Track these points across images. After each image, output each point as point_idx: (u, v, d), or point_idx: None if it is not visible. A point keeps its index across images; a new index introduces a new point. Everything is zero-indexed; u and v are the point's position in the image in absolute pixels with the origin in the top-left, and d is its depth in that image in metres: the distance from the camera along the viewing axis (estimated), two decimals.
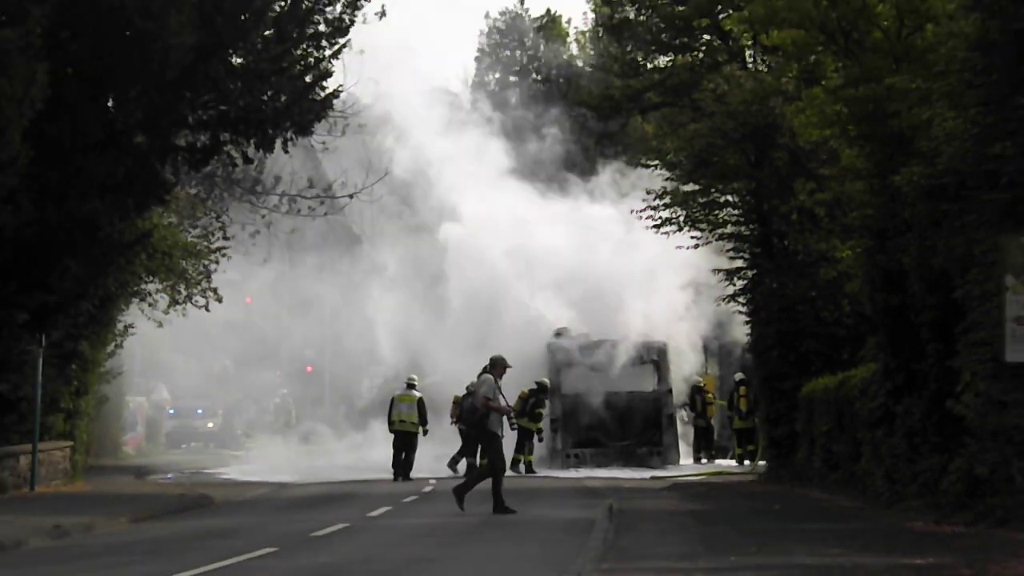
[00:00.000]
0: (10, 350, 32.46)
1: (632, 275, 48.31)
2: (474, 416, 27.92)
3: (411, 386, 42.45)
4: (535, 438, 43.72)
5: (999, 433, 21.27)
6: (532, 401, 43.27)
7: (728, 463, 46.50)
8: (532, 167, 55.46)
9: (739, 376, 47.30)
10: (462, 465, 42.12)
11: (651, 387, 47.45)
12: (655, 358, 48.05)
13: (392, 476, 40.80)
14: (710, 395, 49.36)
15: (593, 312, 47.88)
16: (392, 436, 41.78)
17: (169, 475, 45.61)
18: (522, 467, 42.80)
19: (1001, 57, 20.61)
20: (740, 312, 39.67)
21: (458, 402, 43.40)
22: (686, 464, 46.56)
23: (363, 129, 45.57)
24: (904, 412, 26.07)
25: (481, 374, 28.35)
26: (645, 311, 47.62)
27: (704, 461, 47.80)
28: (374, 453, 47.42)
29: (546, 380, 44.26)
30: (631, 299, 47.99)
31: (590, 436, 46.26)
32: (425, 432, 41.95)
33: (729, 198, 37.54)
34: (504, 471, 27.49)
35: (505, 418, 27.75)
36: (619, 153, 56.74)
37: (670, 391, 47.64)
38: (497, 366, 27.91)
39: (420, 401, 41.83)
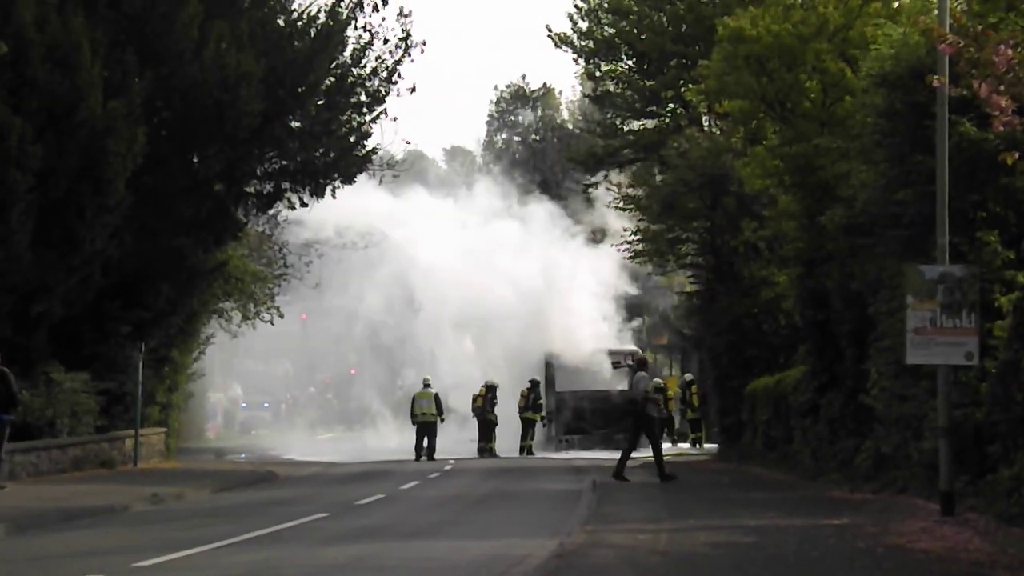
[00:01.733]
0: (116, 355, 32.48)
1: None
2: (636, 405, 27.42)
3: (427, 385, 41.65)
4: (538, 425, 43.86)
5: (900, 420, 21.37)
6: (532, 396, 43.45)
7: (686, 446, 46.71)
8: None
9: (688, 376, 47.69)
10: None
11: (626, 386, 47.59)
12: (629, 363, 48.27)
13: (415, 458, 40.07)
14: (670, 392, 49.40)
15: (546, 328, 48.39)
16: (416, 427, 40.98)
17: (242, 455, 45.44)
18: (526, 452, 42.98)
19: (903, 123, 20.78)
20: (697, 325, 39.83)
21: (476, 399, 43.59)
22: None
23: (396, 179, 45.68)
24: (827, 404, 26.20)
25: (635, 373, 27.41)
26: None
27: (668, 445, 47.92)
28: (398, 439, 47.27)
29: (537, 378, 44.43)
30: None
31: (577, 425, 46.40)
32: (443, 420, 41.35)
33: (689, 235, 37.68)
34: (661, 447, 27.15)
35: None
36: (595, 199, 57.03)
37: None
38: (646, 364, 27.65)
39: (436, 396, 41.07)
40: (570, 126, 70.50)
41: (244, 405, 72.32)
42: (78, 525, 19.98)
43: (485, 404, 43.06)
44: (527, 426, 43.18)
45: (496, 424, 43.21)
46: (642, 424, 27.12)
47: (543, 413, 43.60)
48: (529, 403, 43.24)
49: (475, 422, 43.82)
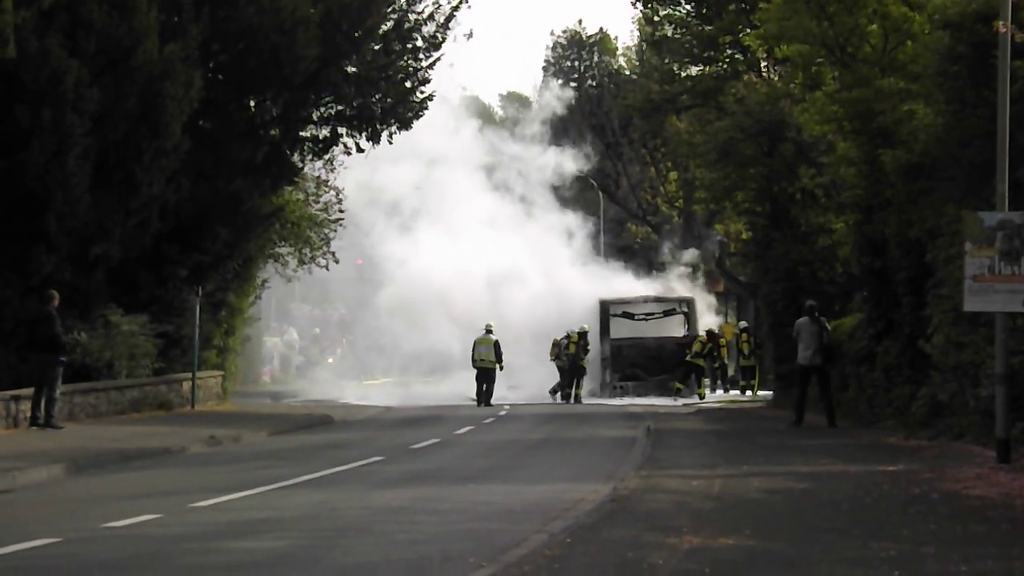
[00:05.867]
0: (174, 299, 32.63)
1: None
2: (833, 352, 27.24)
3: (489, 331, 41.80)
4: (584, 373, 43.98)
5: (957, 367, 21.31)
6: (710, 346, 43.44)
7: (736, 393, 46.69)
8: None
9: (743, 324, 47.59)
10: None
11: (681, 332, 47.54)
12: (685, 310, 48.23)
13: (476, 403, 40.53)
14: (723, 340, 49.33)
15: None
16: (475, 372, 41.38)
17: (298, 399, 45.79)
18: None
19: (965, 65, 20.58)
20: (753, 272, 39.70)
21: (557, 343, 43.98)
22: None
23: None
24: (883, 352, 26.10)
25: (818, 320, 27.04)
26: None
27: (720, 392, 47.93)
28: (454, 386, 47.41)
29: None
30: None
31: (632, 372, 46.44)
32: (501, 368, 41.54)
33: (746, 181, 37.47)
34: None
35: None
36: (659, 146, 56.88)
37: (696, 336, 47.76)
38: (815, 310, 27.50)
39: (496, 343, 41.17)
40: (627, 72, 70.03)
41: (300, 348, 72.38)
42: (136, 466, 20.24)
43: (578, 350, 43.23)
44: (691, 370, 43.35)
45: (585, 371, 43.46)
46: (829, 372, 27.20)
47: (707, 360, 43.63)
48: (704, 350, 43.61)
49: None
